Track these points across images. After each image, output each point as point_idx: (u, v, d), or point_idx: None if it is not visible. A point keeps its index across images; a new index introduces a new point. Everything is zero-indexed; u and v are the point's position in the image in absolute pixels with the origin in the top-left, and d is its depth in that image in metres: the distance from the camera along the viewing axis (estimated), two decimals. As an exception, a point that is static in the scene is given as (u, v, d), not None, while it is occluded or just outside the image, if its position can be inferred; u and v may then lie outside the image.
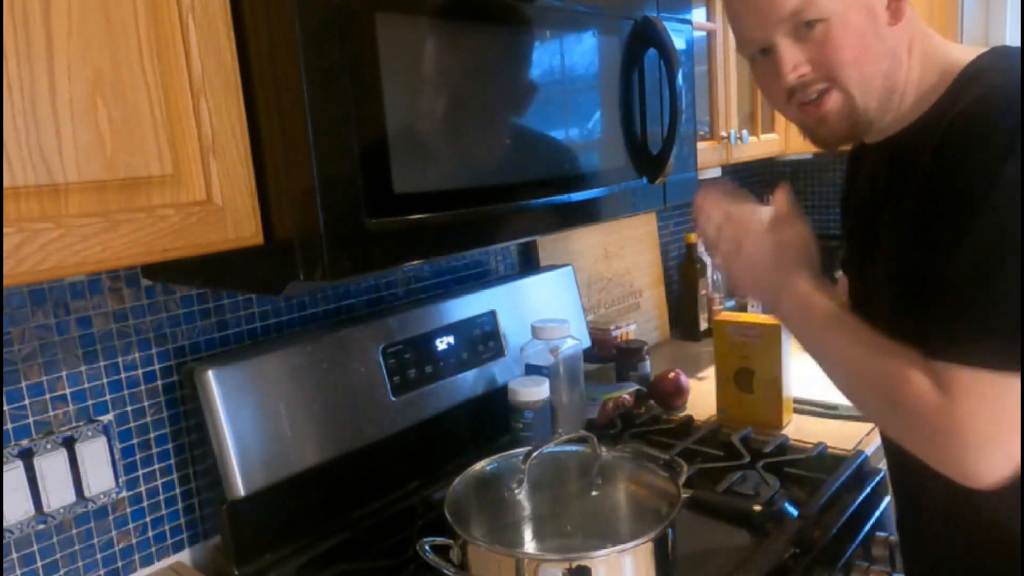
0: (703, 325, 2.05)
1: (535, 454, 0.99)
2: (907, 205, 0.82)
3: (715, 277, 2.15)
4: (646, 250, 2.05)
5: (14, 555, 0.96)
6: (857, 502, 1.18)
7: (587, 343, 1.68)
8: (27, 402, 0.97)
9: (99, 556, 1.04)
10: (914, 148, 0.81)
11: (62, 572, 1.01)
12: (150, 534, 1.10)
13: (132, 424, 1.07)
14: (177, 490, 1.13)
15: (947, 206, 0.74)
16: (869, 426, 1.43)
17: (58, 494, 0.98)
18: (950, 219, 0.74)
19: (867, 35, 0.81)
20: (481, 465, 1.06)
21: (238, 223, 0.77)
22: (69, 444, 0.99)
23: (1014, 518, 0.82)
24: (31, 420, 0.97)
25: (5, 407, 0.95)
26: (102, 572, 1.05)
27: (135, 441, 1.07)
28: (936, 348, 0.74)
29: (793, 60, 0.83)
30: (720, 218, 0.95)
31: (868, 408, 0.85)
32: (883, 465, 1.24)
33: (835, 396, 1.04)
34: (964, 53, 0.83)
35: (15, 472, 0.95)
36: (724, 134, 1.69)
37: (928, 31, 0.87)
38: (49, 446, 0.98)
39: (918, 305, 0.80)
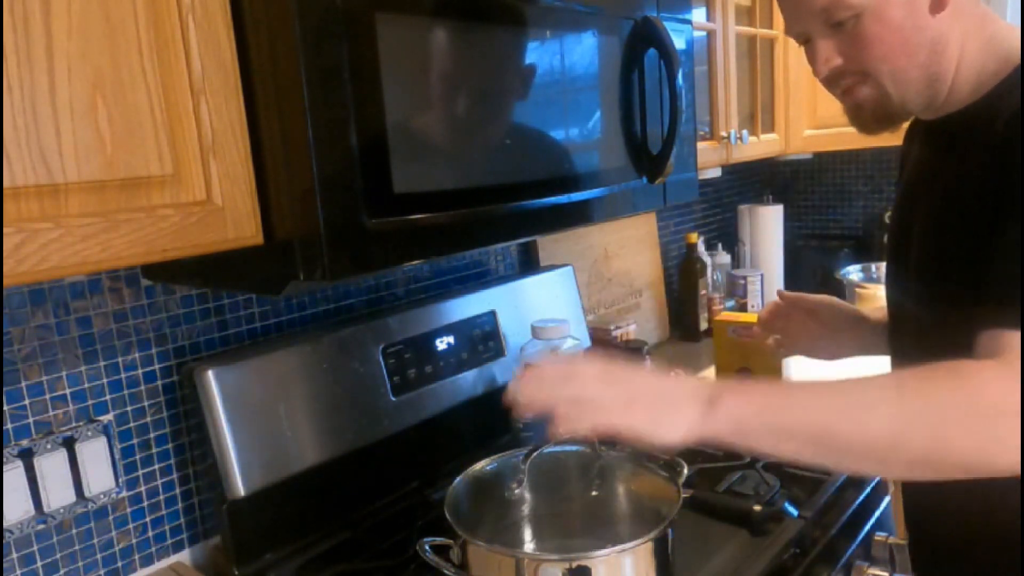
0: (703, 325, 2.04)
1: (535, 454, 0.99)
2: (967, 178, 0.81)
3: (715, 277, 2.14)
4: (646, 250, 2.05)
5: (14, 555, 0.96)
6: (857, 502, 1.18)
7: (587, 343, 1.68)
8: (27, 402, 0.97)
9: (99, 556, 1.04)
10: (976, 125, 0.81)
11: (62, 572, 1.01)
12: (150, 534, 1.10)
13: (132, 424, 1.07)
14: (177, 490, 1.13)
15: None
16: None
17: (58, 494, 0.98)
18: None
19: (903, 28, 0.80)
20: (481, 465, 1.05)
21: (238, 223, 0.77)
22: (69, 444, 0.99)
23: None
24: (31, 420, 0.97)
25: (5, 407, 0.95)
26: (102, 572, 1.05)
27: (135, 441, 1.07)
28: (1000, 316, 0.69)
29: (825, 54, 0.84)
30: (546, 391, 0.74)
31: (930, 442, 0.66)
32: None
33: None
34: None
35: (15, 472, 0.95)
36: (724, 134, 1.69)
37: (991, 15, 0.85)
38: (49, 446, 0.98)
39: (953, 286, 0.79)
